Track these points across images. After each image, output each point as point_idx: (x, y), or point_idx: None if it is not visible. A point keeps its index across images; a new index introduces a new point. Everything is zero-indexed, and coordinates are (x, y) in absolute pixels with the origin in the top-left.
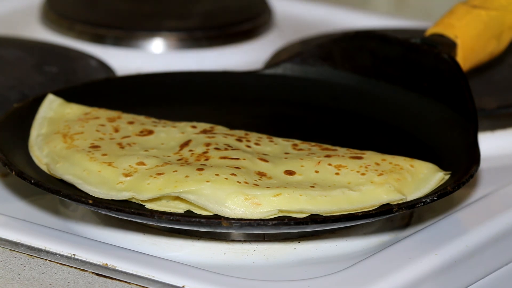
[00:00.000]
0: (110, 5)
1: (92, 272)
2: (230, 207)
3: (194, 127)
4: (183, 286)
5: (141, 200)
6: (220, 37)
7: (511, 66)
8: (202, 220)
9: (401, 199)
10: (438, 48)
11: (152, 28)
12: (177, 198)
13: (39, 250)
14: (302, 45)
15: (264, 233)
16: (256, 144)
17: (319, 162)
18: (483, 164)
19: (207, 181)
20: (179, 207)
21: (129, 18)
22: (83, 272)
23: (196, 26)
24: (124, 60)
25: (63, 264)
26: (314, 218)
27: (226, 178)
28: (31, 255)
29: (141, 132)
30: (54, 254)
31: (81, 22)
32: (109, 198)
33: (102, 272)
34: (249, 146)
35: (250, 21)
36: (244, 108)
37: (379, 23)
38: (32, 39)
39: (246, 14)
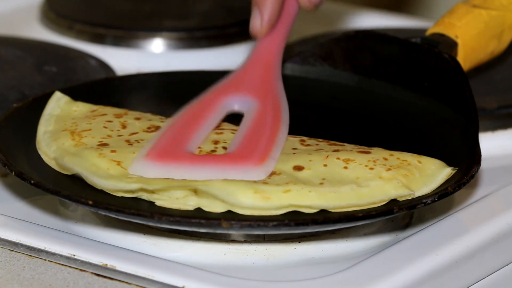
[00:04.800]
0: (109, 4)
1: (92, 273)
2: (240, 200)
3: None
4: (183, 287)
5: (151, 192)
6: (220, 37)
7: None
8: (202, 221)
9: (410, 195)
10: (438, 48)
11: (152, 28)
12: (187, 195)
13: (39, 251)
14: (302, 44)
15: (264, 234)
16: None
17: (327, 157)
18: (484, 164)
19: None
20: (189, 204)
21: (129, 18)
22: (83, 273)
23: (196, 26)
24: (124, 60)
25: (62, 265)
26: (314, 219)
27: None
28: (30, 256)
29: (149, 128)
30: (53, 254)
31: (80, 22)
32: (118, 188)
33: (102, 272)
34: None
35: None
36: None
37: (379, 22)
38: (32, 39)
39: (246, 14)
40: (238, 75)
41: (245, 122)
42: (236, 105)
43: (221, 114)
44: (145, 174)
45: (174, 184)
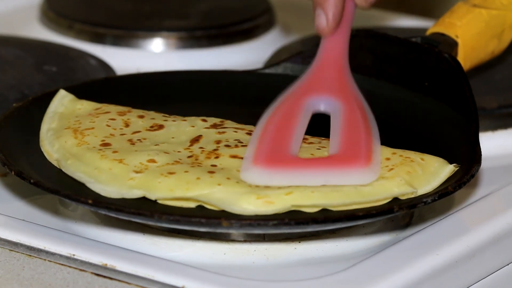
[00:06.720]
0: (109, 4)
1: (92, 272)
2: (242, 207)
3: (204, 120)
4: (183, 286)
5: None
6: (220, 36)
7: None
8: (202, 220)
9: (413, 192)
10: (439, 47)
11: (152, 28)
12: None
13: (39, 250)
14: (302, 44)
15: (264, 233)
16: None
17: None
18: (484, 163)
19: (219, 184)
20: (190, 201)
21: (129, 18)
22: (83, 272)
23: (196, 25)
24: (124, 60)
25: (62, 264)
26: (315, 218)
27: (238, 182)
28: (30, 255)
29: (151, 127)
30: (53, 254)
31: (80, 21)
32: (120, 196)
33: (102, 272)
34: None
35: (250, 20)
36: (244, 107)
37: (379, 22)
38: (32, 38)
39: (246, 13)
40: (312, 75)
41: (336, 124)
42: (321, 106)
43: (308, 115)
44: (256, 182)
45: (176, 195)
